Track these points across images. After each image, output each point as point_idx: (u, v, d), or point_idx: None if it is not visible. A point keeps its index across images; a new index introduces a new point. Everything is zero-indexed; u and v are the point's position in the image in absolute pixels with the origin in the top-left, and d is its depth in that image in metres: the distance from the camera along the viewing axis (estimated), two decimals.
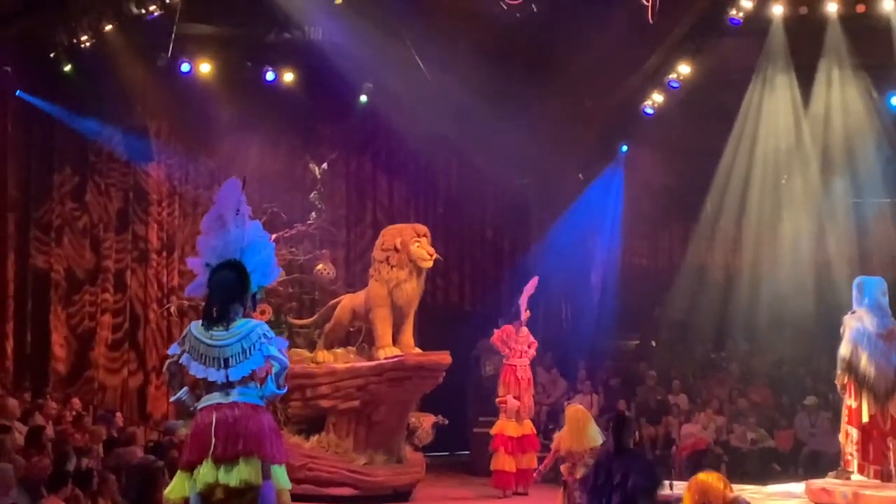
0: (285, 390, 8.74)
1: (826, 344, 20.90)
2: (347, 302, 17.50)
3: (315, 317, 18.21)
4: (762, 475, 17.47)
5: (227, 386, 8.36)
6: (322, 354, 17.20)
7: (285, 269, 19.17)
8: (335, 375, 16.69)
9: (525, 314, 17.56)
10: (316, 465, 16.16)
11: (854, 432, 11.82)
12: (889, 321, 12.11)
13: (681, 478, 14.91)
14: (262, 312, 17.61)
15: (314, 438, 16.67)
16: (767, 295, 21.06)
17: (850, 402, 11.88)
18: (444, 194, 22.60)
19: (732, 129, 21.31)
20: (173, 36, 18.61)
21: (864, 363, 11.85)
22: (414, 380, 16.52)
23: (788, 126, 21.17)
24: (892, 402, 11.80)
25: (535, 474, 12.41)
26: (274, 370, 8.45)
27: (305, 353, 17.49)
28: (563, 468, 11.55)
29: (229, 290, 8.51)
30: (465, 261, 22.91)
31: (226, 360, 8.35)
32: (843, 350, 11.98)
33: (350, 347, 17.58)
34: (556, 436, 12.00)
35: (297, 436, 16.63)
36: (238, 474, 8.24)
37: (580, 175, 23.07)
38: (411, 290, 16.75)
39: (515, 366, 17.65)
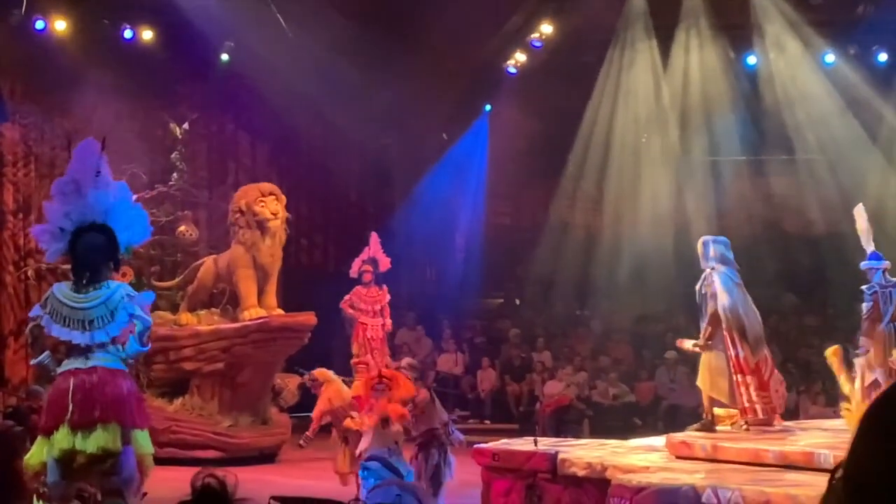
0: (148, 347, 8.67)
1: (685, 300, 21.38)
2: (211, 264, 17.33)
3: (179, 279, 17.99)
4: (624, 430, 17.78)
5: (88, 350, 8.25)
6: (185, 317, 17.02)
7: None
8: (199, 338, 16.53)
9: (359, 271, 17.59)
10: (180, 428, 16.02)
11: (750, 379, 12.04)
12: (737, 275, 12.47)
13: (545, 434, 15.13)
14: (124, 275, 17.30)
15: (178, 401, 16.51)
16: (628, 253, 21.38)
17: (733, 351, 12.07)
18: (307, 155, 22.42)
19: (594, 88, 21.54)
20: None
21: (742, 312, 12.13)
22: (279, 341, 16.46)
23: (648, 86, 21.47)
24: (764, 348, 12.18)
25: (303, 441, 12.42)
26: (137, 329, 8.36)
27: (168, 315, 17.28)
28: (348, 422, 11.68)
29: (99, 252, 8.43)
30: (329, 222, 22.82)
31: (90, 322, 8.25)
32: (723, 299, 12.17)
33: (214, 309, 17.42)
34: (324, 398, 12.14)
35: (160, 399, 16.45)
36: (95, 441, 8.14)
37: (444, 135, 23.12)
38: (266, 250, 16.65)
39: (366, 325, 17.68)
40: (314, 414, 12.15)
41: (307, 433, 12.29)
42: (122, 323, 8.31)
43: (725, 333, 12.10)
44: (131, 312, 8.33)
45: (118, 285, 8.44)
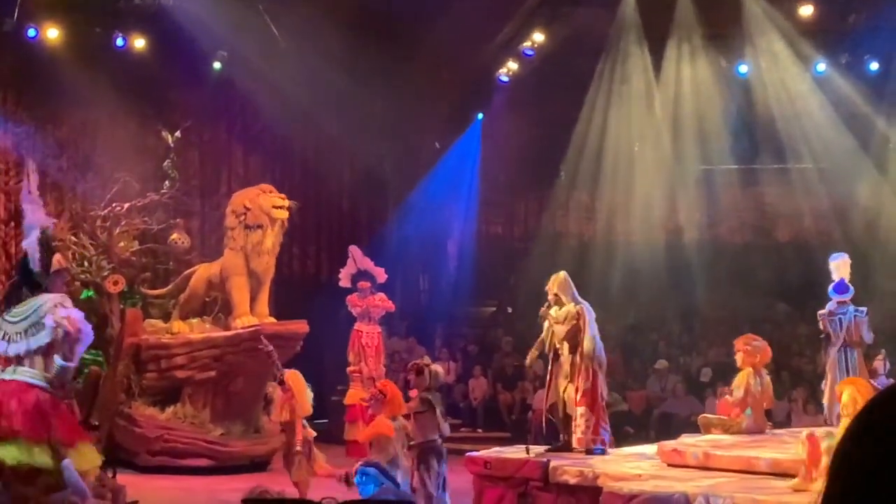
0: (74, 364, 8.69)
1: (677, 309, 21.43)
2: (203, 272, 17.32)
3: (170, 287, 17.98)
4: (616, 438, 17.76)
5: (13, 361, 8.35)
6: (177, 325, 17.00)
7: (139, 239, 18.91)
8: (191, 346, 16.51)
9: (357, 286, 17.67)
10: (172, 436, 15.99)
11: (585, 410, 12.21)
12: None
13: (536, 442, 15.11)
14: (116, 283, 17.36)
15: (170, 410, 16.48)
16: (621, 262, 21.39)
17: (586, 384, 12.24)
18: (300, 164, 22.39)
19: (586, 97, 21.55)
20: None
21: (600, 348, 12.58)
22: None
23: (640, 95, 21.48)
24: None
25: (300, 447, 12.40)
26: (59, 336, 8.40)
27: (160, 323, 17.27)
28: (308, 432, 11.82)
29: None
30: (321, 231, 22.78)
31: (8, 337, 8.35)
32: (589, 342, 12.49)
33: (206, 318, 17.40)
34: (290, 404, 12.19)
35: (152, 407, 16.43)
36: (7, 453, 8.14)
37: (436, 144, 23.12)
38: (266, 251, 16.59)
39: (361, 332, 17.69)
40: (293, 421, 12.18)
41: (298, 438, 12.29)
42: (39, 340, 8.36)
43: (589, 369, 12.30)
44: (57, 321, 8.39)
45: (45, 298, 8.55)
